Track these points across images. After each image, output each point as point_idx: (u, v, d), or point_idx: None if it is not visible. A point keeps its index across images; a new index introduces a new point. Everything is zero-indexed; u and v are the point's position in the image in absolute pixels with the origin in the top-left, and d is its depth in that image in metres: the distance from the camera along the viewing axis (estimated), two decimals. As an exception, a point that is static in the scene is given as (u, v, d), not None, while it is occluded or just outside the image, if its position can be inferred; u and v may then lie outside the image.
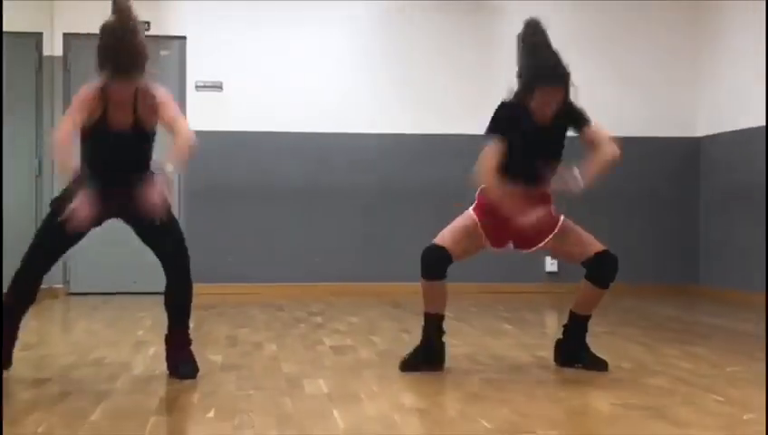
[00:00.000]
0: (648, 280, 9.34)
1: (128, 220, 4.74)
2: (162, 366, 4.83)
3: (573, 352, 4.96)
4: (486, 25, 9.52)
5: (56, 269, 8.84)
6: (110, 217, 4.69)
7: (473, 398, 4.19)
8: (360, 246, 9.36)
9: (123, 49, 4.37)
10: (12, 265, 4.66)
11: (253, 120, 9.31)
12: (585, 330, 4.98)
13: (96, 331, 6.49)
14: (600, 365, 4.86)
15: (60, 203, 4.52)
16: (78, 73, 9.05)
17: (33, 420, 3.64)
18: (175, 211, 8.93)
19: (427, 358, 4.87)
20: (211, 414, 3.81)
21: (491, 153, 4.71)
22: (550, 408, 4.04)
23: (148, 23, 9.10)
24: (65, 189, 4.60)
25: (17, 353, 5.07)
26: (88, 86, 4.51)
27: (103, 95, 4.47)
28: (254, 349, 5.63)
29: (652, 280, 9.42)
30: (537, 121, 4.71)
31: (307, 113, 9.35)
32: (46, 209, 8.77)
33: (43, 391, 4.23)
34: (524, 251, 4.96)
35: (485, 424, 3.65)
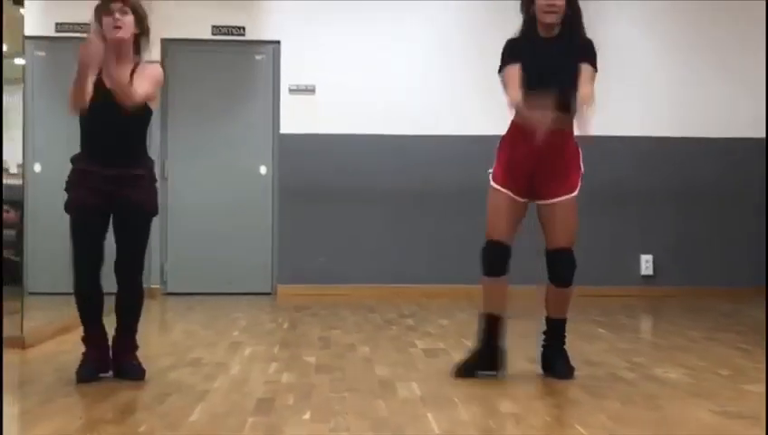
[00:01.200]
0: (744, 283, 9.13)
1: (115, 209, 4.69)
2: (258, 367, 4.90)
3: (548, 358, 4.85)
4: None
5: (154, 269, 9.12)
6: (109, 207, 4.66)
7: (568, 403, 4.16)
8: (450, 247, 9.33)
9: None
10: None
11: (345, 123, 9.38)
12: (560, 335, 4.86)
13: (193, 332, 6.61)
14: (564, 372, 4.74)
15: (70, 205, 4.69)
16: (176, 78, 9.24)
17: (134, 421, 3.73)
18: (269, 212, 9.09)
19: (485, 363, 4.77)
20: (307, 416, 3.85)
21: (511, 75, 4.63)
22: (647, 415, 3.98)
23: (243, 28, 9.28)
24: (66, 188, 4.72)
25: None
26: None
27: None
28: (347, 350, 5.67)
29: (748, 283, 9.20)
30: (544, 38, 4.64)
31: (398, 116, 9.38)
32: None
33: (143, 392, 4.33)
34: (541, 202, 4.77)
35: (581, 430, 3.62)
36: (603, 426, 3.72)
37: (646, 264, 9.21)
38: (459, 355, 5.42)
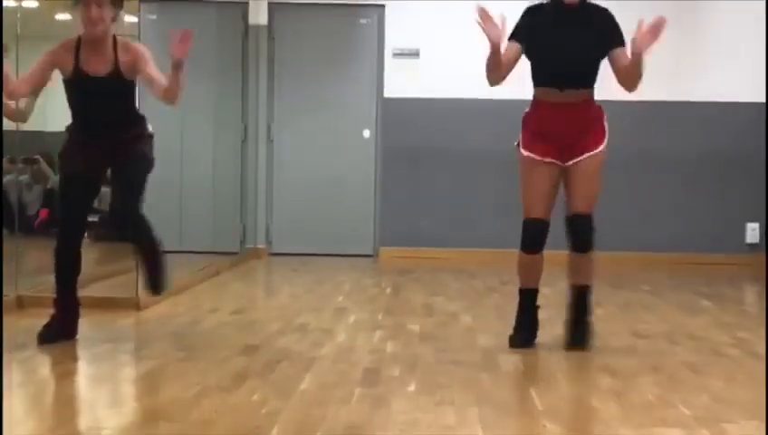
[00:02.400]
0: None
1: (113, 166, 4.80)
2: (363, 335, 5.03)
3: (574, 328, 4.86)
4: None
5: (260, 230, 9.34)
6: (103, 163, 4.77)
7: (671, 381, 4.17)
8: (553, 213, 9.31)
9: None
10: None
11: (448, 87, 9.37)
12: (584, 304, 4.85)
13: (299, 295, 6.78)
14: (579, 341, 4.77)
15: (63, 170, 4.84)
16: (282, 42, 9.39)
17: (247, 388, 3.88)
18: (371, 176, 9.16)
19: (530, 334, 4.88)
20: (412, 388, 3.96)
21: (506, 49, 4.78)
22: (753, 395, 3.97)
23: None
24: (60, 155, 4.85)
25: (229, 318, 5.41)
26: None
27: (76, 44, 4.66)
28: (450, 319, 5.76)
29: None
30: (566, 5, 4.67)
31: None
32: (251, 174, 9.20)
33: (254, 359, 4.48)
34: (567, 164, 4.78)
35: (684, 410, 3.64)
36: (707, 407, 3.73)
37: (752, 232, 9.07)
38: (560, 327, 5.45)
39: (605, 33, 4.72)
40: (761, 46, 9.10)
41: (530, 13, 4.85)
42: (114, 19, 4.71)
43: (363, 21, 9.46)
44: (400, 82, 9.35)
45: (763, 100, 9.14)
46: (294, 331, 5.26)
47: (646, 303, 6.66)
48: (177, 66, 4.49)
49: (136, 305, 5.77)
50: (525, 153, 4.85)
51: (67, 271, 4.80)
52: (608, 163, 9.54)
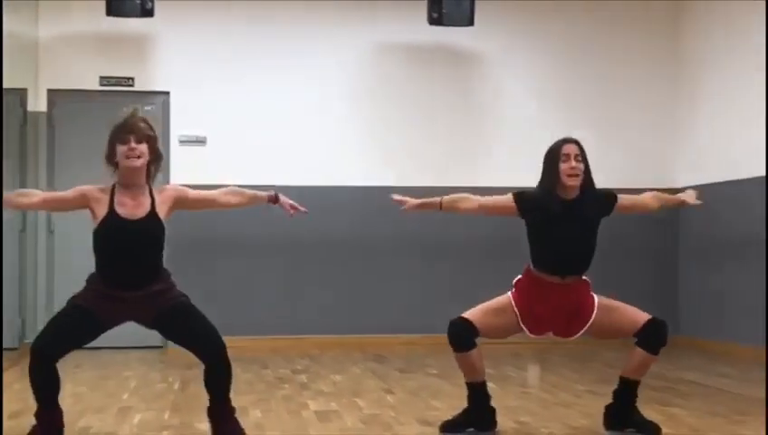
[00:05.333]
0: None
1: (147, 322, 4.78)
2: (148, 439, 4.86)
3: (624, 416, 5.06)
4: (469, 79, 9.65)
5: (40, 324, 8.91)
6: (126, 319, 4.75)
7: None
8: (343, 298, 9.41)
9: (132, 123, 4.74)
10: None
11: (236, 174, 9.32)
12: (635, 395, 5.10)
13: (81, 395, 6.50)
14: (651, 429, 4.99)
15: (74, 301, 4.78)
16: (63, 129, 9.15)
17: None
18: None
19: (475, 423, 5.04)
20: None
21: (499, 200, 5.11)
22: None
23: (131, 78, 9.23)
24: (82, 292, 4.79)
25: (7, 423, 5.13)
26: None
27: (111, 188, 4.80)
28: (239, 414, 5.63)
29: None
30: (563, 197, 4.94)
31: (290, 166, 9.42)
32: (31, 266, 8.82)
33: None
34: (566, 338, 5.10)
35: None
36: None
37: (533, 311, 9.40)
38: (352, 419, 5.47)
39: (599, 212, 5.06)
40: (532, 137, 9.55)
41: (532, 193, 5.06)
42: (152, 163, 4.77)
43: (148, 108, 9.32)
44: (188, 169, 9.24)
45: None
46: (75, 436, 5.03)
47: (434, 388, 6.76)
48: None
49: None
50: (512, 304, 5.03)
51: (46, 389, 4.59)
52: (403, 250, 9.79)
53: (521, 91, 9.63)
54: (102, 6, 8.65)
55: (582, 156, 4.96)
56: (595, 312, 4.99)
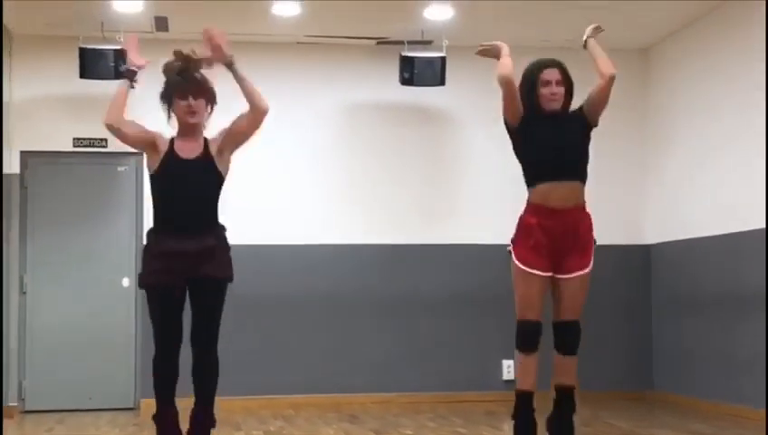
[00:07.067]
0: (602, 387, 9.41)
1: (191, 285, 5.02)
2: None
3: (559, 427, 5.08)
4: (437, 135, 9.74)
5: (12, 387, 8.85)
6: (184, 282, 4.98)
7: None
8: (317, 357, 9.37)
9: (192, 78, 5.07)
10: None
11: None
12: (571, 403, 5.12)
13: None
14: None
15: (144, 282, 5.00)
16: (36, 190, 9.15)
17: None
18: (132, 325, 8.94)
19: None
20: None
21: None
22: None
23: (105, 139, 9.23)
24: (143, 264, 5.06)
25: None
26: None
27: (171, 138, 5.08)
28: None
29: (607, 387, 9.50)
30: (548, 112, 5.12)
31: (260, 224, 9.39)
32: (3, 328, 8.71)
33: None
34: (560, 276, 5.14)
35: None
36: None
37: (507, 369, 9.39)
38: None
39: (580, 116, 5.24)
40: (502, 195, 9.63)
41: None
42: (209, 113, 5.13)
43: (121, 168, 9.36)
44: (160, 230, 9.23)
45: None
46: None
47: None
48: (229, 68, 5.07)
49: None
50: (519, 265, 5.11)
51: (166, 383, 4.97)
52: (376, 308, 9.78)
53: (491, 149, 9.67)
54: (76, 69, 8.70)
55: (564, 77, 5.14)
56: (586, 271, 5.13)
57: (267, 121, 9.39)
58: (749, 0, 8.09)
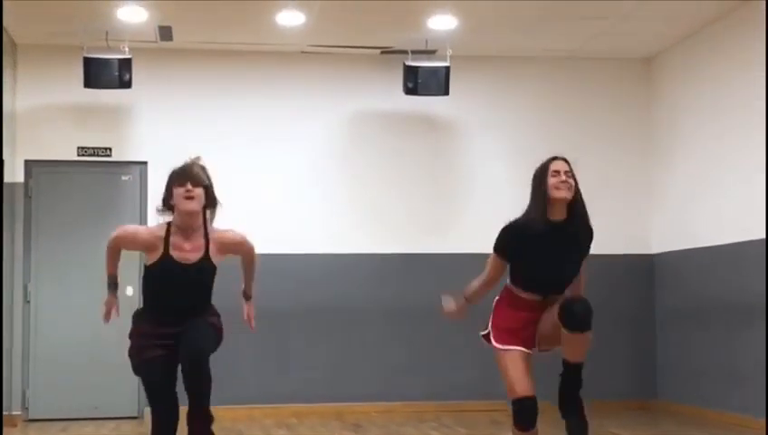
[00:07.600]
0: (607, 396, 9.39)
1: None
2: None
3: (564, 402, 5.01)
4: (441, 145, 9.75)
5: (16, 395, 8.86)
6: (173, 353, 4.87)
7: None
8: (320, 365, 9.37)
9: (190, 169, 4.91)
10: None
11: (213, 243, 9.37)
12: (578, 380, 5.00)
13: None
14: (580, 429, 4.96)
15: (137, 367, 5.00)
16: (40, 199, 9.16)
17: None
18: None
19: None
20: None
21: (491, 265, 5.08)
22: None
23: (109, 149, 9.28)
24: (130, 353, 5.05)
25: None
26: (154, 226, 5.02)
27: (167, 228, 4.89)
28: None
29: (611, 396, 9.48)
30: (551, 220, 4.89)
31: (267, 234, 9.40)
32: (6, 337, 8.74)
33: None
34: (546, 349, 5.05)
35: None
36: None
37: (511, 378, 9.38)
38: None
39: (586, 249, 5.04)
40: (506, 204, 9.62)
41: (511, 231, 5.01)
42: (207, 208, 4.95)
43: (125, 178, 9.38)
44: (164, 239, 9.25)
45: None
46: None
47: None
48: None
49: None
50: (499, 346, 5.01)
51: None
52: (380, 318, 9.76)
53: (494, 159, 9.71)
54: (80, 78, 8.72)
55: (572, 174, 4.96)
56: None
57: (272, 132, 9.59)
58: (752, 9, 8.11)
